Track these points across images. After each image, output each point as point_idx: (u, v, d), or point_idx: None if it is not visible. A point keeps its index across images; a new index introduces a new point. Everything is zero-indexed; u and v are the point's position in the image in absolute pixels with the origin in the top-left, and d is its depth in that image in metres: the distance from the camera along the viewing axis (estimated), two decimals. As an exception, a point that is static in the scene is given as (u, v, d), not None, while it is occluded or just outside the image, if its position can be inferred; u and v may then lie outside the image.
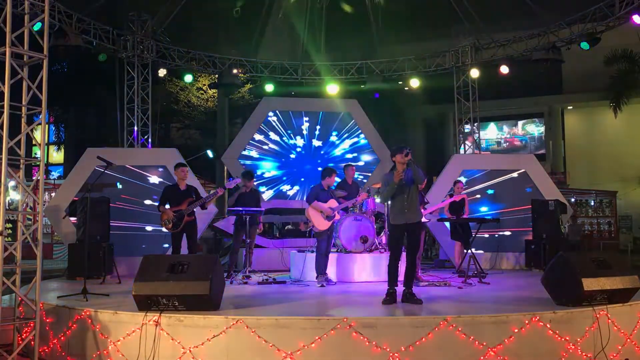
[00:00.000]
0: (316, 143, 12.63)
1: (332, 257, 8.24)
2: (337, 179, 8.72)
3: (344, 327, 4.94)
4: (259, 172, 12.03)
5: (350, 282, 8.22)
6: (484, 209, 10.87)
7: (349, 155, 12.60)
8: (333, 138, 12.69)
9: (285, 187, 12.39)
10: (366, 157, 12.68)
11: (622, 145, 22.65)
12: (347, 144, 12.72)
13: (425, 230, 8.99)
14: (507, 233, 10.69)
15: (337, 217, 8.08)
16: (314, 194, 8.07)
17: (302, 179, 12.45)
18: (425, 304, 5.97)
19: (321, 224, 7.96)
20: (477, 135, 15.36)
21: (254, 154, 12.26)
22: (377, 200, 9.85)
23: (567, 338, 5.14)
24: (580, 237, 15.73)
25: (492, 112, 22.92)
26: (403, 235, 6.29)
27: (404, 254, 6.52)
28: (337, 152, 12.67)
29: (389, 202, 6.36)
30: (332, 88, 14.69)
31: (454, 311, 5.46)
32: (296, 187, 12.43)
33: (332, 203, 8.00)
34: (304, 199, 9.33)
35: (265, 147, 12.36)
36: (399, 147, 6.24)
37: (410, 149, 6.25)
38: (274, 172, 12.38)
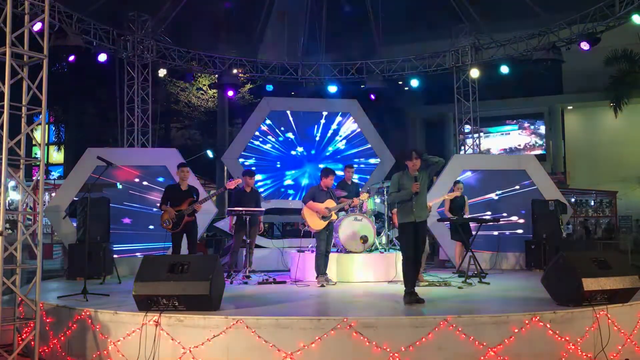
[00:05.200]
0: (316, 143, 12.63)
1: (332, 257, 8.23)
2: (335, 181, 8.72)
3: (344, 327, 4.94)
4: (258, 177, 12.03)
5: (350, 282, 8.22)
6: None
7: (348, 154, 12.60)
8: (333, 138, 12.69)
9: (285, 188, 12.39)
10: (366, 158, 12.68)
11: (622, 145, 22.64)
12: (346, 144, 12.72)
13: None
14: (507, 233, 10.69)
15: (334, 217, 8.05)
16: (310, 195, 8.07)
17: (302, 180, 12.46)
18: (425, 304, 5.98)
19: (316, 224, 7.94)
20: (477, 135, 15.36)
21: (254, 153, 12.27)
22: (377, 200, 9.84)
23: (567, 338, 5.14)
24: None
25: (492, 112, 22.90)
26: (413, 233, 6.21)
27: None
28: (337, 152, 12.67)
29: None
30: (332, 88, 14.69)
31: (454, 311, 5.45)
32: (295, 187, 12.43)
33: (329, 203, 7.98)
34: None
35: (266, 147, 12.36)
36: (406, 152, 6.30)
37: (417, 150, 6.28)
38: (273, 173, 12.39)
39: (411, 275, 6.15)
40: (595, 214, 19.32)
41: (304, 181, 12.47)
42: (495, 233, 10.44)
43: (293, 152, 12.52)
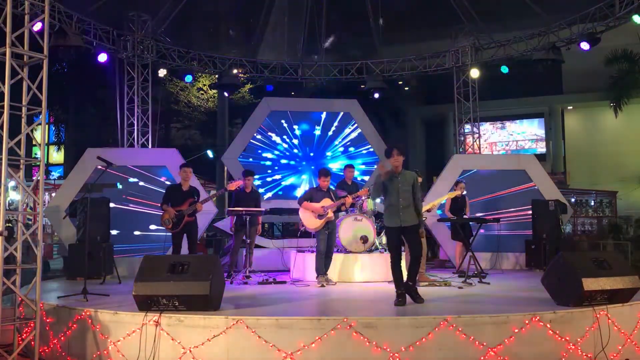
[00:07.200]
0: (315, 143, 12.63)
1: (332, 257, 8.24)
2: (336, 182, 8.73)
3: (344, 327, 4.94)
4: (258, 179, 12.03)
5: (351, 282, 8.22)
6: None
7: (348, 154, 12.60)
8: (333, 138, 12.68)
9: (285, 188, 12.39)
10: (366, 158, 12.68)
11: (622, 145, 22.64)
12: (346, 144, 12.72)
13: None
14: (507, 233, 10.69)
15: (331, 215, 8.01)
16: (306, 195, 8.10)
17: (302, 180, 12.46)
18: (425, 304, 5.99)
19: (312, 223, 7.95)
20: (477, 135, 15.34)
21: (254, 154, 12.27)
22: (377, 200, 9.84)
23: (567, 338, 5.14)
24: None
25: (492, 112, 22.91)
26: (400, 237, 6.28)
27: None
28: (337, 152, 12.66)
29: (383, 203, 6.41)
30: (332, 88, 14.68)
31: (454, 311, 5.46)
32: (296, 187, 12.43)
33: (326, 202, 7.99)
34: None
35: (265, 147, 12.36)
36: (387, 149, 6.38)
37: (399, 147, 6.29)
38: (274, 173, 12.38)
39: (398, 277, 6.17)
40: (595, 214, 19.32)
41: (303, 180, 12.45)
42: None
43: (292, 153, 12.50)
